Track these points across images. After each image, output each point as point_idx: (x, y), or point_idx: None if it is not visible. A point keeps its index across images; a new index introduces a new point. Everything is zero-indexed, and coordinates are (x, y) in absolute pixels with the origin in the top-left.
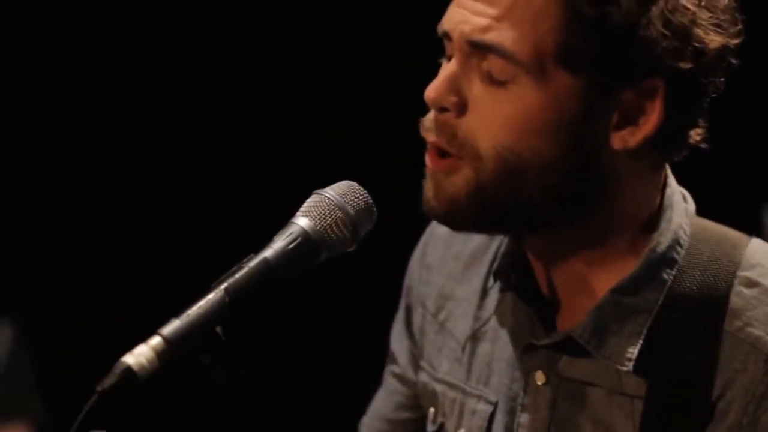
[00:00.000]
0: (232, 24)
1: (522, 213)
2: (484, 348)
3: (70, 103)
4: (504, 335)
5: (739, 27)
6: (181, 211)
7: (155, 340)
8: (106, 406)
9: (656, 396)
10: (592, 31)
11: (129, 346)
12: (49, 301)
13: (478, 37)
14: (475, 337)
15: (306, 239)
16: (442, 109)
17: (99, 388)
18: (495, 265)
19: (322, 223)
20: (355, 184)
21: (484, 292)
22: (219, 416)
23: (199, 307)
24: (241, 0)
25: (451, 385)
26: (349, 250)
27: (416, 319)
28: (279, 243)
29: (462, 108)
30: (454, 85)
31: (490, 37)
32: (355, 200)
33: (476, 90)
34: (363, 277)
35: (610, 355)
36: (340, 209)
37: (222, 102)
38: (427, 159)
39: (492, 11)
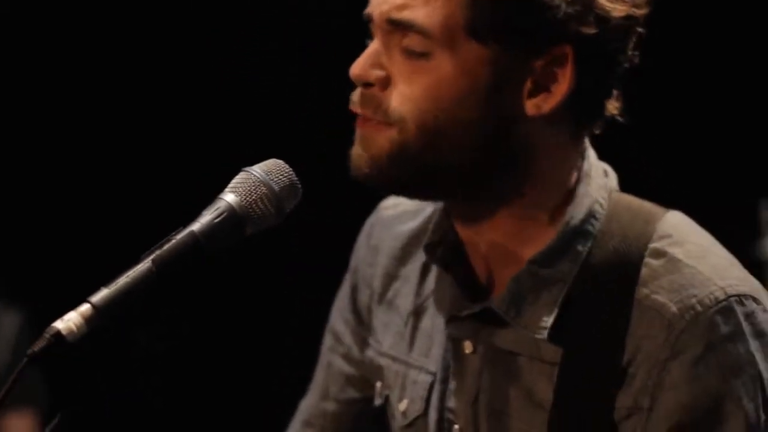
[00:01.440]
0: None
1: (443, 175)
2: (425, 322)
3: (69, 100)
4: (440, 308)
5: None
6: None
7: (84, 307)
8: (38, 369)
9: (571, 362)
10: (498, 1)
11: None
12: (58, 289)
13: (394, 15)
14: (417, 312)
15: (231, 213)
16: (367, 84)
17: (29, 352)
18: (425, 239)
19: (248, 198)
20: (282, 162)
21: (425, 269)
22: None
23: (127, 276)
24: None
25: (395, 359)
26: (274, 224)
27: (362, 298)
28: (206, 217)
29: (385, 82)
30: (377, 60)
31: (405, 14)
32: (280, 177)
33: (397, 64)
34: (302, 257)
35: (527, 324)
36: (265, 186)
37: (153, 88)
38: (357, 123)
39: None
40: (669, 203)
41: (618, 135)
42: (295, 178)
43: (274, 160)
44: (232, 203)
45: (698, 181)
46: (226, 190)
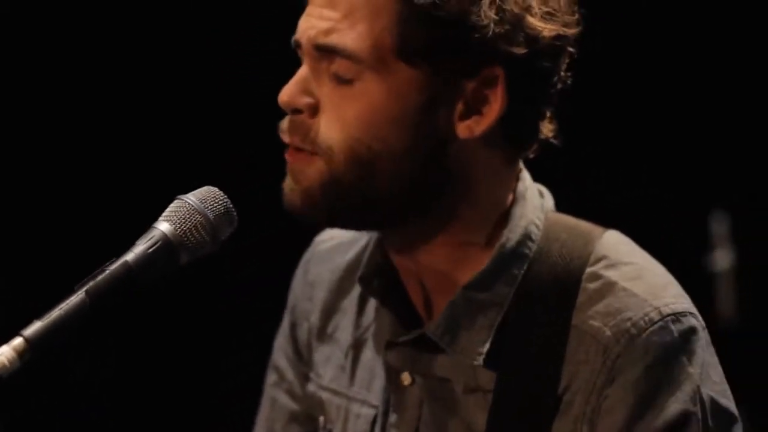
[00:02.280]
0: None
1: (377, 205)
2: (366, 354)
3: (68, 100)
4: (379, 339)
5: (576, 18)
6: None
7: (17, 341)
8: None
9: (505, 389)
10: (427, 22)
11: None
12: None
13: (321, 40)
14: (356, 344)
15: (166, 243)
16: (296, 111)
17: None
18: (359, 272)
19: (182, 227)
20: (216, 189)
21: (363, 300)
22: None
23: (60, 309)
24: None
25: (336, 392)
26: (210, 252)
27: (302, 335)
28: (140, 247)
29: (314, 108)
30: (305, 87)
31: (332, 39)
32: (215, 205)
33: (326, 90)
34: (242, 288)
35: (462, 350)
36: (199, 214)
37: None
38: (286, 155)
39: (333, 14)
40: (619, 216)
41: (568, 146)
42: (230, 206)
43: (209, 187)
44: (166, 232)
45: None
46: (160, 218)
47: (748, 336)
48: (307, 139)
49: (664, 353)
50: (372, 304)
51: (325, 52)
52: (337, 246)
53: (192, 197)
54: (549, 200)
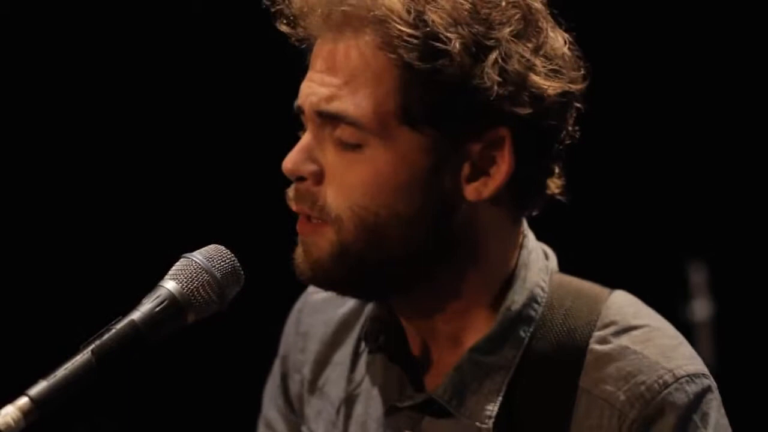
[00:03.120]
0: None
1: (387, 271)
2: (358, 410)
3: (67, 101)
4: (376, 396)
5: (581, 73)
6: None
7: (22, 401)
8: None
9: None
10: (428, 86)
11: None
12: None
13: (323, 107)
14: (349, 400)
15: (173, 302)
16: (300, 179)
17: None
18: (364, 328)
19: (189, 286)
20: (223, 248)
21: (356, 355)
22: None
23: (65, 369)
24: None
25: None
26: (217, 312)
27: (293, 386)
28: (146, 305)
29: (319, 176)
30: (309, 154)
31: (334, 106)
32: (222, 264)
33: (330, 157)
34: (237, 340)
35: (471, 414)
36: (207, 273)
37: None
38: (297, 226)
39: (335, 80)
40: (597, 266)
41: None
42: (237, 264)
43: (215, 245)
44: (173, 291)
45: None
46: (167, 277)
47: (726, 386)
48: (315, 207)
49: (679, 415)
50: (364, 359)
51: (328, 118)
52: (330, 297)
53: (199, 255)
54: (553, 261)
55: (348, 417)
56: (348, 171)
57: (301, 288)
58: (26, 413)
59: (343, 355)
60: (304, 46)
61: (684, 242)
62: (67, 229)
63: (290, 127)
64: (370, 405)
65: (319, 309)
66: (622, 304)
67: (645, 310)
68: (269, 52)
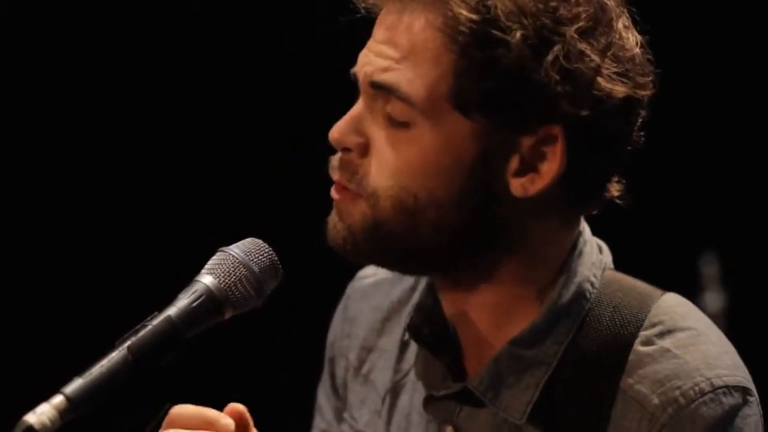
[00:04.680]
0: None
1: (420, 253)
2: (403, 400)
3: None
4: (420, 387)
5: (650, 79)
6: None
7: (57, 399)
8: None
9: None
10: (483, 74)
11: None
12: None
13: (377, 77)
14: (394, 390)
15: (210, 297)
16: (345, 149)
17: None
18: (408, 318)
19: (227, 280)
20: (260, 241)
21: (404, 344)
22: None
23: (101, 366)
24: None
25: None
26: (255, 307)
27: (339, 372)
28: (183, 301)
29: (364, 149)
30: (358, 126)
31: (388, 77)
32: (260, 258)
33: (378, 132)
34: (288, 328)
35: (505, 407)
36: (244, 267)
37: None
38: (332, 191)
39: (393, 53)
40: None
41: None
42: (275, 258)
43: (253, 239)
44: (211, 286)
45: (638, 236)
46: (203, 271)
47: None
48: (354, 179)
49: (711, 427)
50: (413, 348)
51: (381, 90)
52: (380, 282)
53: (236, 249)
54: (607, 256)
55: (393, 407)
56: (393, 148)
57: (337, 282)
58: (62, 412)
59: (390, 342)
60: (371, 14)
61: (696, 234)
62: (99, 224)
63: (296, 125)
64: (415, 396)
65: (368, 294)
66: (673, 305)
67: (696, 314)
68: (269, 51)
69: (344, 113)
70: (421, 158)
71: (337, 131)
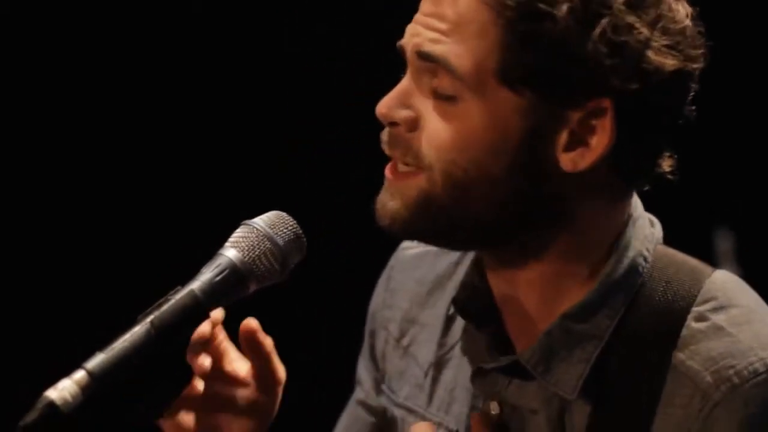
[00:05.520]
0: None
1: (469, 227)
2: (447, 375)
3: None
4: (465, 363)
5: (701, 51)
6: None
7: (79, 374)
8: None
9: (597, 426)
10: (530, 48)
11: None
12: None
13: (427, 47)
14: (438, 364)
15: (234, 271)
16: (393, 124)
17: (21, 424)
18: (455, 292)
19: (251, 254)
20: (285, 214)
21: (450, 319)
22: None
23: (123, 341)
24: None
25: (411, 411)
26: (279, 281)
27: (379, 343)
28: (206, 275)
29: (412, 123)
30: (405, 100)
31: (437, 49)
32: (285, 231)
33: (426, 106)
34: (327, 300)
35: (557, 381)
36: (269, 240)
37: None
38: (387, 170)
39: (441, 25)
40: None
41: None
42: (300, 231)
43: (277, 212)
44: (234, 259)
45: (652, 211)
46: (227, 245)
47: None
48: (409, 153)
49: (763, 408)
50: (459, 324)
51: (428, 62)
52: (424, 254)
53: (260, 222)
54: (659, 231)
55: (435, 381)
56: (441, 122)
57: (361, 255)
58: (84, 387)
59: (433, 316)
60: None
61: (710, 210)
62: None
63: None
64: (460, 372)
65: (412, 265)
66: (726, 281)
67: (748, 291)
68: (269, 50)
69: (343, 113)
70: (469, 133)
71: (384, 106)
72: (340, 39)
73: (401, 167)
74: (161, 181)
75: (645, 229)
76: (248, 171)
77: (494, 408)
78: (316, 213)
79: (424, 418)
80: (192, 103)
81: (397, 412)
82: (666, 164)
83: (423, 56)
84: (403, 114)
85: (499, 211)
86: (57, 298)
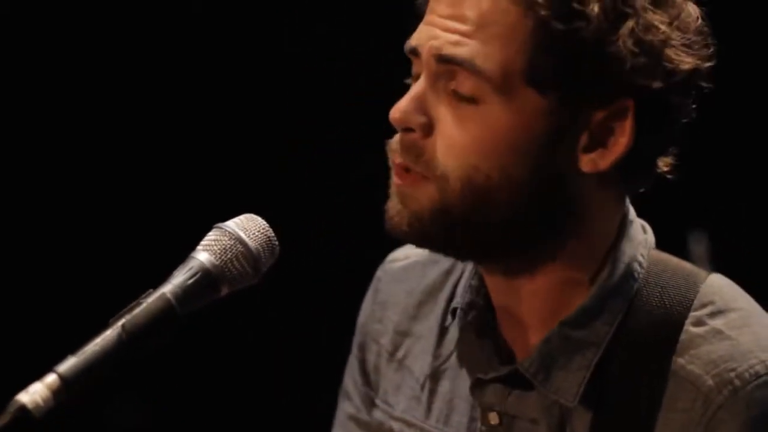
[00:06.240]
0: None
1: (488, 235)
2: (444, 386)
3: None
4: (464, 373)
5: (711, 51)
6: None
7: (50, 378)
8: None
9: (599, 431)
10: (562, 47)
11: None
12: None
13: (448, 50)
14: (434, 375)
15: (206, 274)
16: (408, 130)
17: None
18: (453, 302)
19: (223, 257)
20: (257, 217)
21: (443, 330)
22: None
23: (95, 344)
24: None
25: (409, 424)
26: (251, 284)
27: (370, 357)
28: (178, 278)
29: (428, 128)
30: (421, 105)
31: (461, 51)
32: (257, 234)
33: (443, 110)
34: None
35: (557, 389)
36: (241, 244)
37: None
38: (393, 177)
39: (463, 27)
40: None
41: None
42: (272, 234)
43: (249, 215)
44: (206, 263)
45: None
46: (199, 248)
47: None
48: (420, 161)
49: (766, 410)
50: (453, 333)
51: (449, 64)
52: (412, 266)
53: (232, 225)
54: (651, 236)
55: (433, 393)
56: (461, 127)
57: (334, 259)
58: (55, 391)
59: (426, 327)
60: None
61: (683, 212)
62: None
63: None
64: (458, 382)
65: (400, 278)
66: (722, 285)
67: (743, 295)
68: (269, 50)
69: (342, 112)
70: (492, 136)
71: (398, 111)
72: (340, 39)
73: (411, 170)
74: (143, 182)
75: (639, 235)
76: (248, 171)
77: (494, 419)
78: (315, 214)
79: (422, 430)
80: (191, 102)
81: (395, 426)
82: (663, 163)
83: (444, 59)
84: (420, 119)
85: (519, 216)
86: (27, 301)
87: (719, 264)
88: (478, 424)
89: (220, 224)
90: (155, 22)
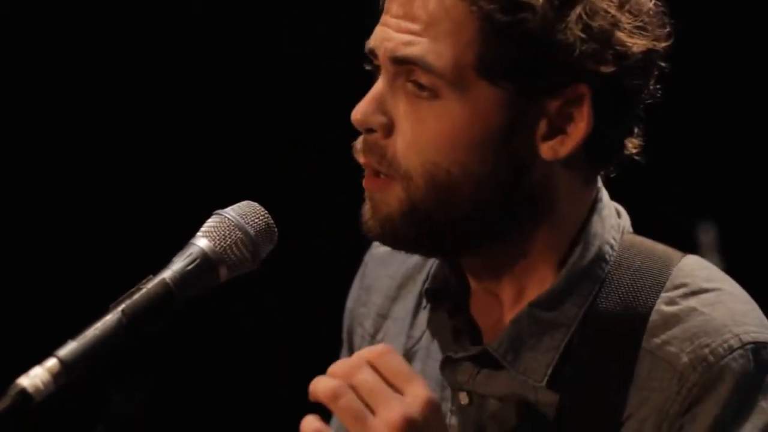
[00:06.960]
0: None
1: (457, 230)
2: (416, 367)
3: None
4: (434, 354)
5: (668, 30)
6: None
7: (51, 362)
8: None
9: (568, 413)
10: (509, 39)
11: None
12: None
13: (401, 51)
14: (407, 356)
15: (205, 260)
16: (369, 130)
17: None
18: (426, 284)
19: (222, 243)
20: (256, 204)
21: (417, 311)
22: None
23: (95, 329)
24: None
25: None
26: (250, 270)
27: (356, 341)
28: (178, 264)
29: (389, 128)
30: (380, 105)
31: (412, 51)
32: (256, 221)
33: (402, 109)
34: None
35: (525, 370)
36: (240, 230)
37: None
38: (364, 181)
39: (413, 26)
40: None
41: None
42: (271, 221)
43: (248, 201)
44: (206, 249)
45: (635, 204)
46: (198, 234)
47: None
48: (384, 160)
49: (739, 383)
50: (424, 315)
51: (404, 64)
52: (394, 251)
53: (232, 212)
54: (626, 220)
55: None
56: (420, 124)
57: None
58: (56, 375)
59: (403, 309)
60: None
61: (693, 202)
62: (99, 185)
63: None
64: (429, 362)
65: (384, 262)
66: (695, 267)
67: (719, 275)
68: (269, 50)
69: (341, 112)
70: (450, 131)
71: (359, 112)
72: (340, 39)
73: (378, 174)
74: (144, 174)
75: (611, 219)
76: (248, 171)
77: (464, 399)
78: (315, 213)
79: None
80: (192, 101)
81: None
82: (632, 145)
83: (399, 60)
84: (380, 119)
85: (485, 208)
86: (28, 288)
87: (727, 254)
88: (449, 404)
89: (219, 211)
90: (155, 22)
